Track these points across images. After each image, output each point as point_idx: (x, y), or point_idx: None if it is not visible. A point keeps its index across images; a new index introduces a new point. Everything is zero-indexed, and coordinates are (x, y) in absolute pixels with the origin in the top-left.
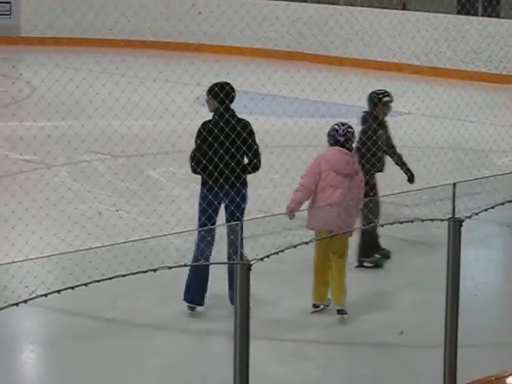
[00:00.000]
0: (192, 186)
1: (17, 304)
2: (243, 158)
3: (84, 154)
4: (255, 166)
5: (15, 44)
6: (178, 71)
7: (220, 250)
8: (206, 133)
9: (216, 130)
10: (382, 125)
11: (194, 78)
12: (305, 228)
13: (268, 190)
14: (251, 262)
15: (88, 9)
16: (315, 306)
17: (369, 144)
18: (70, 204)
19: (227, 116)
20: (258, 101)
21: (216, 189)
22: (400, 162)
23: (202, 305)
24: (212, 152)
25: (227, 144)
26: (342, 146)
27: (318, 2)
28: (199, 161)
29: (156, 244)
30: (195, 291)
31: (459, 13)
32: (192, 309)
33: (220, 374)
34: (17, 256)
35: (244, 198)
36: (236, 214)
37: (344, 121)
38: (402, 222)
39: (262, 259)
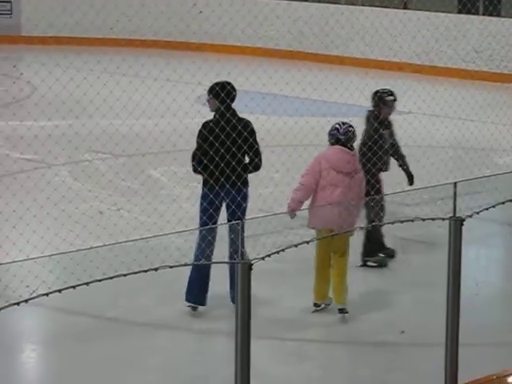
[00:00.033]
0: (193, 185)
1: (18, 303)
2: (244, 158)
3: (85, 153)
4: (256, 166)
5: (16, 43)
6: (179, 70)
7: (221, 249)
8: (207, 132)
9: (217, 130)
10: (388, 124)
11: (195, 78)
12: (306, 227)
13: (269, 189)
14: (252, 262)
15: (89, 8)
16: (316, 305)
17: (369, 143)
18: (71, 203)
19: (228, 115)
20: (258, 100)
21: (217, 188)
22: (402, 163)
23: (203, 305)
24: (213, 151)
25: (228, 143)
26: (343, 145)
27: (319, 2)
28: (200, 160)
29: (157, 243)
30: (197, 291)
31: (460, 12)
32: (194, 308)
33: (221, 374)
34: (18, 255)
35: (245, 198)
36: (237, 213)
37: (345, 120)
38: (403, 221)
39: (263, 258)
